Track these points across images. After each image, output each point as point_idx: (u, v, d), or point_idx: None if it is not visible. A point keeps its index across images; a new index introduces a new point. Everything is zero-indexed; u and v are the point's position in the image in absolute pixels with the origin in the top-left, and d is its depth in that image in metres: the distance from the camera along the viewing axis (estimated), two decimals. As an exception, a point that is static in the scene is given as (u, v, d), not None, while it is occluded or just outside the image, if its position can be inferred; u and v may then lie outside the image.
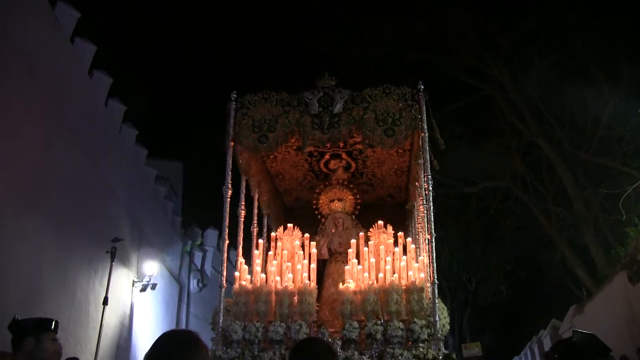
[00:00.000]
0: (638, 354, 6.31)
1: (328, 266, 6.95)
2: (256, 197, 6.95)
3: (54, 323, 3.43)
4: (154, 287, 10.63)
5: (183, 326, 12.85)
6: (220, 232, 14.18)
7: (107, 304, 5.45)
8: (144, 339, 10.44)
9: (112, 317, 9.39)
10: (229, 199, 5.94)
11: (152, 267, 10.66)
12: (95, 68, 9.30)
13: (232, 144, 6.09)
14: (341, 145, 6.69)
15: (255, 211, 6.88)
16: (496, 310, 22.56)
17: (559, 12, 14.21)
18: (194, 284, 13.81)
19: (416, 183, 6.57)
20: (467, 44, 15.46)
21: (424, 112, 5.87)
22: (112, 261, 5.69)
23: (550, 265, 16.41)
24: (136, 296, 10.38)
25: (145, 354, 1.96)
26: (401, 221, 7.54)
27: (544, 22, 14.52)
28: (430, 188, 5.71)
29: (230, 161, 6.06)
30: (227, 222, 5.88)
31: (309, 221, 7.27)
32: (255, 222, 6.83)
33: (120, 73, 10.95)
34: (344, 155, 7.00)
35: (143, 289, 10.44)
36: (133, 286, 10.34)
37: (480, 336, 20.30)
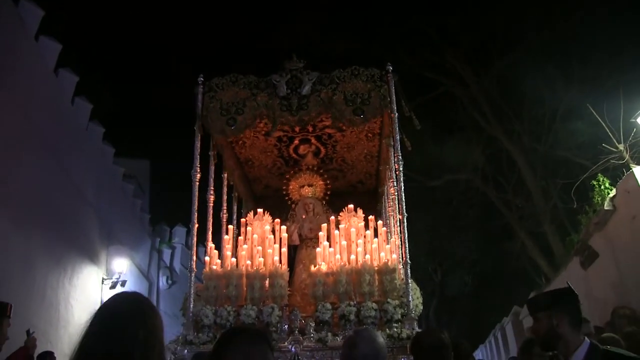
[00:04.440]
0: (596, 332, 6.54)
1: (299, 252, 6.91)
2: (225, 183, 6.86)
3: (9, 307, 3.35)
4: (123, 284, 10.57)
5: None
6: (188, 230, 14.14)
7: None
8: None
9: (82, 314, 9.32)
10: (197, 183, 5.87)
11: (122, 264, 10.64)
12: (60, 66, 9.20)
13: (200, 127, 6.01)
14: (310, 129, 6.62)
15: (225, 197, 6.78)
16: (462, 301, 23.05)
17: (517, 12, 14.74)
18: (163, 281, 13.72)
19: (387, 166, 6.56)
20: (429, 41, 15.84)
21: (393, 93, 5.87)
22: None
23: (512, 255, 16.92)
24: (105, 293, 10.28)
25: (94, 315, 1.70)
26: (372, 207, 7.52)
27: (503, 21, 15.02)
28: (401, 169, 5.69)
29: (199, 144, 6.00)
30: (196, 207, 5.78)
31: (279, 209, 7.20)
32: (225, 207, 6.73)
33: (87, 71, 10.85)
34: (313, 140, 6.94)
35: (112, 286, 10.38)
36: (102, 283, 10.29)
37: (447, 327, 20.70)
